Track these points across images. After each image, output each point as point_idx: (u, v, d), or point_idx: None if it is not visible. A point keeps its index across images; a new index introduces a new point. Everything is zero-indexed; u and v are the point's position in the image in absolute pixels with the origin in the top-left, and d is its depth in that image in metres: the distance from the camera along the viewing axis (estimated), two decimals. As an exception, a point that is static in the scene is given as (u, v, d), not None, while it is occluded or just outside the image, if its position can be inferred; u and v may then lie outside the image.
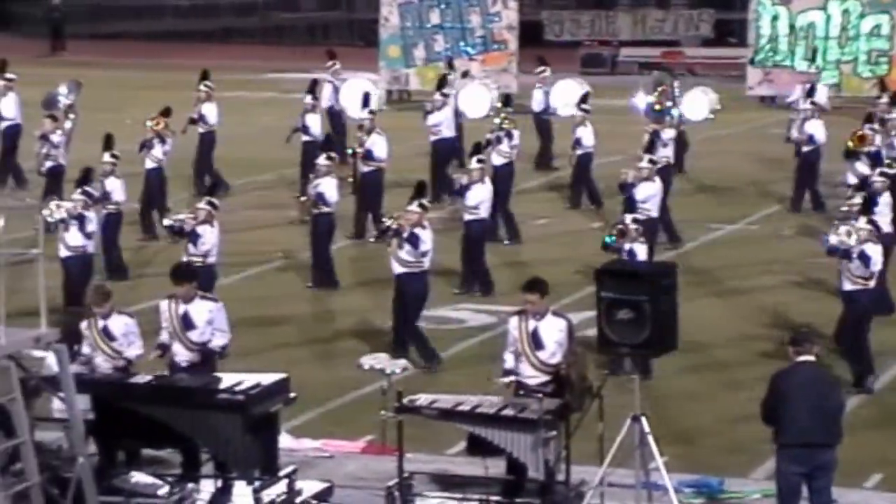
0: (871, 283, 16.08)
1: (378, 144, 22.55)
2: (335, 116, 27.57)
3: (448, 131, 25.35)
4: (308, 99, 25.12)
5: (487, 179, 19.74)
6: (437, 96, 25.63)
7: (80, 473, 11.45)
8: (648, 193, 19.18)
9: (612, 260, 14.88)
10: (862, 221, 16.19)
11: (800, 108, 25.70)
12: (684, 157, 26.60)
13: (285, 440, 13.36)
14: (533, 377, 12.93)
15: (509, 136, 23.09)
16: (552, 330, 12.92)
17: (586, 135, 24.35)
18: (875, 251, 15.96)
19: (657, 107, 24.75)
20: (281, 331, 18.07)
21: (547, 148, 27.94)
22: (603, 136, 25.32)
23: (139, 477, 12.40)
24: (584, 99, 25.17)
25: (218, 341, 13.62)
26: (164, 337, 13.58)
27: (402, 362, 14.31)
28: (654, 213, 19.25)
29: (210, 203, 17.40)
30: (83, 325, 13.23)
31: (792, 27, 36.65)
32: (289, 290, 20.00)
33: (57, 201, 17.93)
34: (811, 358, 11.84)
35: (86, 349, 13.14)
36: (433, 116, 25.40)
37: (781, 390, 11.76)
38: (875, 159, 21.13)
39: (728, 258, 21.72)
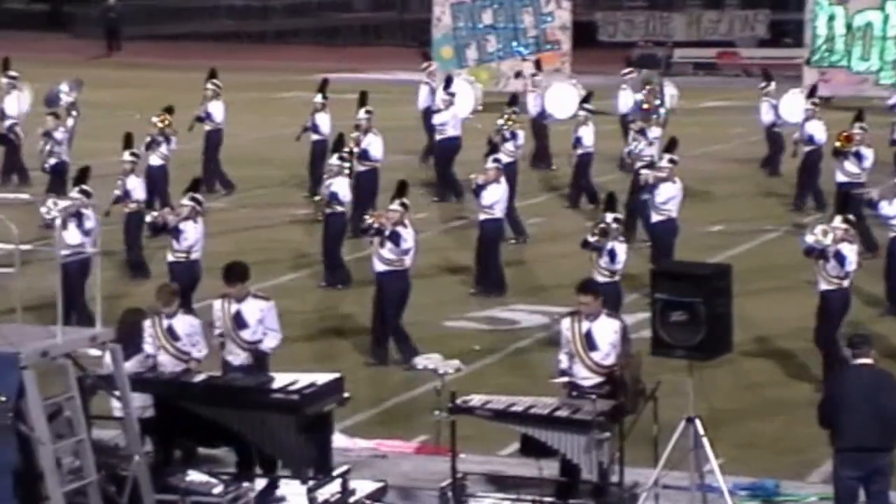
0: (846, 283, 16.05)
1: (374, 144, 22.67)
2: (429, 117, 27.45)
3: (453, 130, 25.40)
4: (318, 98, 25.14)
5: (503, 179, 19.76)
6: (444, 96, 25.59)
7: (137, 471, 11.52)
8: (669, 195, 19.09)
9: (667, 261, 14.83)
10: (838, 221, 16.11)
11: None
12: (780, 159, 26.80)
13: (339, 440, 13.38)
14: (586, 378, 12.89)
15: (514, 136, 23.15)
16: (606, 331, 12.89)
17: (587, 134, 24.42)
18: (851, 251, 15.92)
19: (645, 105, 24.70)
20: (334, 331, 18.09)
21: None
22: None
23: (194, 475, 12.45)
24: (586, 99, 25.31)
25: (269, 342, 13.65)
26: (216, 334, 13.67)
27: (455, 363, 14.28)
28: (674, 214, 19.18)
29: (194, 199, 17.47)
30: (146, 323, 13.30)
31: (849, 27, 36.42)
32: (341, 291, 20.00)
33: (54, 199, 17.78)
34: (868, 361, 11.75)
35: (149, 348, 13.20)
36: (439, 116, 25.44)
37: (838, 393, 11.68)
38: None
39: (791, 257, 21.53)
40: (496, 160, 19.91)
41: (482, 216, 19.60)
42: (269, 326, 13.62)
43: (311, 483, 12.26)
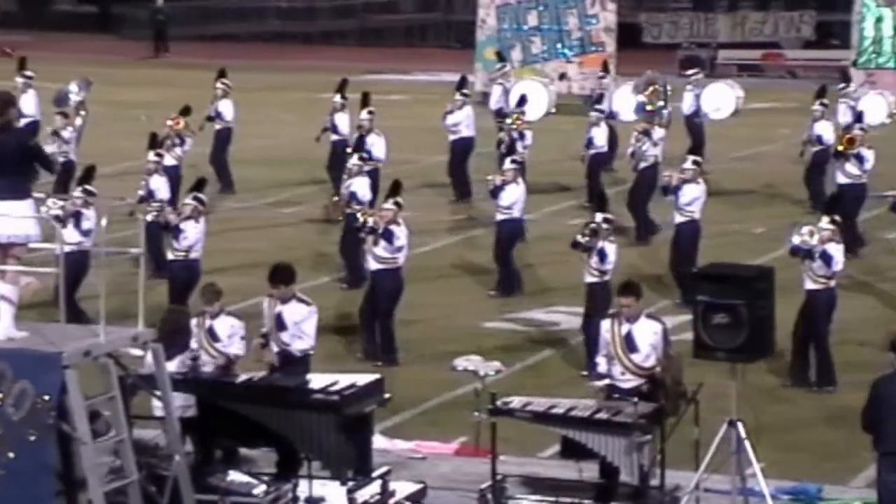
0: (832, 283, 16.03)
1: (377, 144, 22.69)
2: (500, 117, 27.29)
3: (467, 131, 25.38)
4: (337, 98, 25.14)
5: (521, 180, 19.75)
6: (457, 96, 25.58)
7: (177, 471, 11.55)
8: (693, 196, 19.01)
9: (709, 263, 14.75)
10: (825, 221, 16.04)
11: None
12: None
13: (379, 441, 13.37)
14: (626, 381, 12.84)
15: (521, 136, 23.13)
16: (646, 333, 12.84)
17: (599, 135, 24.41)
18: (837, 251, 15.86)
19: (648, 106, 24.60)
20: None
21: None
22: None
23: (235, 476, 12.47)
24: (598, 100, 25.29)
25: (299, 345, 13.63)
26: (264, 332, 13.73)
27: (496, 364, 14.28)
28: (697, 216, 19.12)
29: (196, 199, 17.49)
30: (193, 322, 13.35)
31: (896, 28, 36.17)
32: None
33: (55, 198, 17.56)
34: (912, 365, 11.66)
35: (195, 345, 13.25)
36: (452, 116, 25.42)
37: (881, 397, 11.59)
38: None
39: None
40: (514, 161, 19.97)
41: (500, 216, 19.63)
42: (304, 331, 13.63)
43: (350, 484, 12.26)
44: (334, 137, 25.02)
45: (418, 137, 28.93)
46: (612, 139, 26.33)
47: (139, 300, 11.45)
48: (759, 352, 12.41)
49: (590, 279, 16.40)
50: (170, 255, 17.48)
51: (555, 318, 18.69)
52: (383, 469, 12.63)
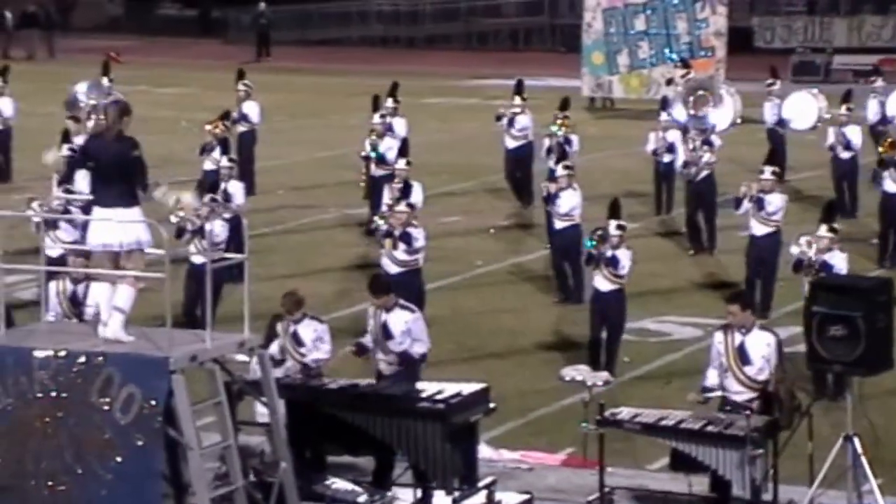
0: None
1: (392, 149, 22.46)
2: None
3: (531, 136, 24.83)
4: (389, 102, 24.83)
5: (576, 185, 19.47)
6: (517, 100, 25.01)
7: (283, 478, 11.50)
8: (777, 205, 18.63)
9: (825, 274, 14.47)
10: (823, 230, 15.60)
11: None
12: None
13: (484, 451, 13.24)
14: (739, 393, 12.60)
15: (568, 141, 22.78)
16: (759, 344, 12.59)
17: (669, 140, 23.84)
18: (840, 259, 15.42)
19: (695, 113, 24.20)
20: (478, 339, 17.97)
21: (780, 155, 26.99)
22: (807, 145, 24.63)
23: (339, 483, 12.40)
24: (664, 105, 24.87)
25: (419, 348, 13.62)
26: (366, 339, 13.68)
27: (604, 375, 14.09)
28: (781, 225, 18.76)
29: (213, 200, 17.49)
30: (279, 327, 13.33)
31: None
32: (489, 300, 19.87)
33: (38, 201, 17.18)
34: None
35: (274, 349, 13.21)
36: (519, 120, 24.87)
37: None
38: None
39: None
40: (566, 166, 19.65)
41: (560, 224, 19.35)
42: (416, 336, 13.60)
43: (456, 494, 12.13)
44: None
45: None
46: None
47: (244, 306, 11.41)
48: (876, 365, 12.10)
49: (606, 287, 16.16)
50: (198, 259, 16.88)
51: (665, 329, 18.42)
52: (489, 479, 12.49)
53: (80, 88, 24.10)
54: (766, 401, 12.45)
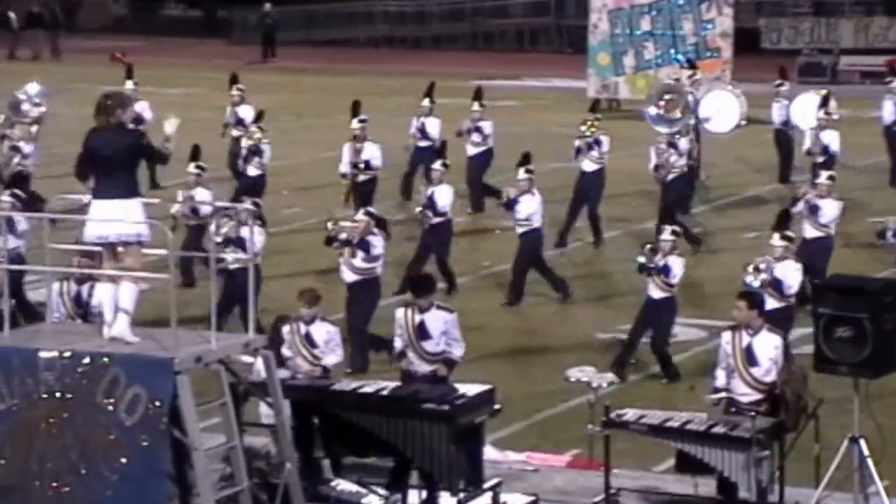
0: (792, 300, 15.64)
1: (377, 157, 22.55)
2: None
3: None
4: (425, 102, 24.78)
5: (535, 190, 19.39)
6: (476, 106, 24.99)
7: (288, 479, 11.48)
8: (831, 216, 18.57)
9: (832, 275, 14.45)
10: (776, 238, 15.54)
11: None
12: None
13: (490, 452, 13.22)
14: (746, 394, 12.58)
15: (598, 142, 22.72)
16: (767, 346, 12.59)
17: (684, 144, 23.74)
18: (795, 269, 15.41)
19: (667, 116, 24.19)
20: (484, 340, 17.93)
21: (788, 158, 26.89)
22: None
23: (344, 485, 12.38)
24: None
25: (457, 351, 13.65)
26: (397, 343, 13.66)
27: (610, 376, 14.08)
28: (832, 232, 18.72)
29: (256, 204, 17.55)
30: (285, 328, 13.29)
31: None
32: (495, 301, 19.83)
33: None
34: None
35: (286, 352, 13.18)
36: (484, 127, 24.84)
37: None
38: None
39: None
40: (528, 171, 19.51)
41: (519, 229, 19.29)
42: (453, 337, 13.61)
43: (461, 495, 12.11)
44: (422, 143, 24.82)
45: (529, 143, 28.69)
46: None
47: (249, 306, 11.39)
48: (883, 367, 12.09)
49: (658, 294, 16.19)
50: (235, 265, 16.66)
51: (674, 330, 18.36)
52: (495, 481, 12.47)
53: (21, 96, 23.48)
54: (772, 402, 12.43)
